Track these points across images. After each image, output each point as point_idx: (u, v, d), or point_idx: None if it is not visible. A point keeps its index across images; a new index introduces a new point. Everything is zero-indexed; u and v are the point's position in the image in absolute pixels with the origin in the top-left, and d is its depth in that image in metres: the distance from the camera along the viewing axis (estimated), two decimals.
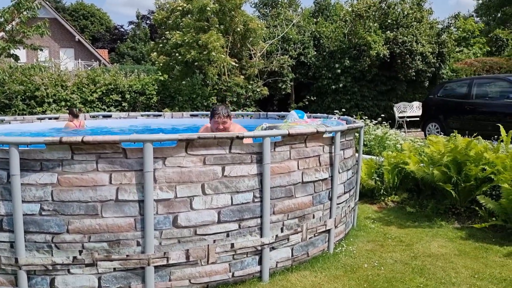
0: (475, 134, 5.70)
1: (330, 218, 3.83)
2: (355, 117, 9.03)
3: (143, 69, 17.19)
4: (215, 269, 3.14)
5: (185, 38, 11.26)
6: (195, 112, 7.88)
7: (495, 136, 6.36)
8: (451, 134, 5.90)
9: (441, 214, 5.03)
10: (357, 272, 3.50)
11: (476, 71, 16.42)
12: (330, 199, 3.81)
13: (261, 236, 3.27)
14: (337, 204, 3.92)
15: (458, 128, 8.29)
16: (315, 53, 14.69)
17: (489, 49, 22.85)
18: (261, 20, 15.51)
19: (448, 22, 15.39)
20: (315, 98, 14.59)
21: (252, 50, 13.11)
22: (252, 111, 11.96)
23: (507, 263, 3.69)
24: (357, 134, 4.82)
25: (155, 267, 2.95)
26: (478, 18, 32.89)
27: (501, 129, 5.66)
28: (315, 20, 17.39)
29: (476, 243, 4.17)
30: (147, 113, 7.73)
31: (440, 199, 5.23)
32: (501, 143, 5.41)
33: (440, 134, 9.81)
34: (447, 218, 4.93)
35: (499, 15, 31.26)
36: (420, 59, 13.77)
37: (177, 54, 11.57)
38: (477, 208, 4.70)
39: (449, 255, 3.87)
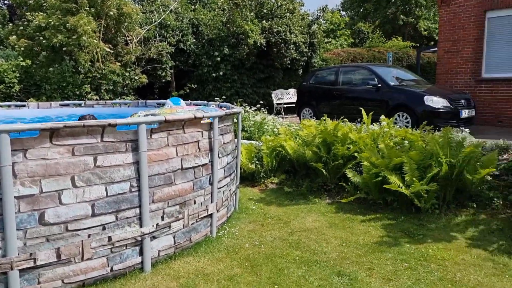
0: (342, 117, 6.24)
1: (211, 202, 3.87)
2: (235, 104, 9.22)
3: (1, 54, 15.23)
4: (91, 265, 2.95)
5: (50, 20, 10.21)
6: (65, 102, 7.25)
7: (359, 119, 7.06)
8: (322, 118, 6.39)
9: (315, 192, 5.43)
10: (239, 253, 3.61)
11: (342, 60, 17.96)
12: (211, 184, 3.85)
13: (141, 226, 3.17)
14: (218, 188, 3.97)
15: (328, 112, 9.01)
16: (194, 40, 14.57)
17: (353, 40, 25.17)
18: (137, 5, 14.80)
19: (318, 14, 16.49)
20: (196, 86, 14.51)
21: (128, 36, 12.46)
22: (131, 99, 11.44)
23: (369, 230, 4.14)
24: (236, 120, 4.93)
25: (20, 270, 2.66)
26: (344, 12, 35.85)
27: (362, 112, 6.30)
28: (193, 7, 17.20)
29: (344, 215, 4.61)
30: (7, 103, 6.87)
31: (314, 178, 5.64)
32: (363, 124, 6.05)
33: (313, 118, 10.56)
34: (320, 195, 5.34)
35: (361, 10, 34.48)
36: (294, 49, 14.56)
37: (41, 38, 10.45)
38: (344, 184, 5.18)
39: (321, 228, 4.21)
